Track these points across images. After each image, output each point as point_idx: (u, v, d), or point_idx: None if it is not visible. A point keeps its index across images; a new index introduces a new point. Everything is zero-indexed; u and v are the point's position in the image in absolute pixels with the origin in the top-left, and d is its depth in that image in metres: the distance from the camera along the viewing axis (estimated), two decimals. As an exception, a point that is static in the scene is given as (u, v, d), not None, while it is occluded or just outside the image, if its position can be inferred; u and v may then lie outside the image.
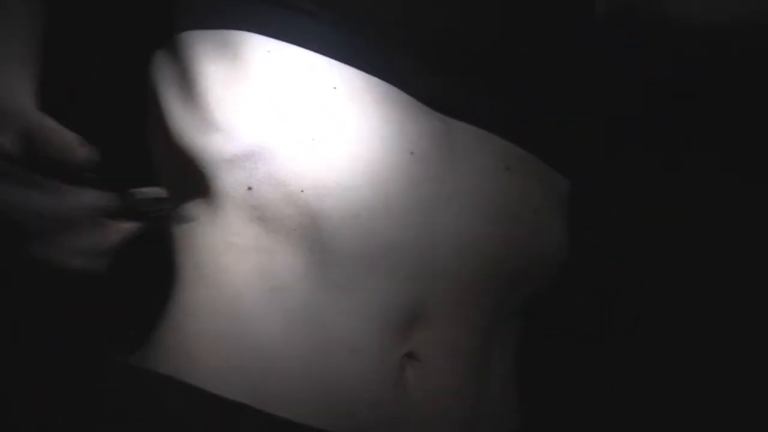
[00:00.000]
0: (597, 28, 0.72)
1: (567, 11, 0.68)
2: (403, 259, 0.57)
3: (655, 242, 0.91)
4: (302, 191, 0.55)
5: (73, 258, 0.51)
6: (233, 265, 0.56)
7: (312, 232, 0.55)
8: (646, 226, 0.91)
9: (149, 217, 0.55)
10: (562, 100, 0.67)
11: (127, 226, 0.53)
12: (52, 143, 0.49)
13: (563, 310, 0.83)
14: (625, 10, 0.75)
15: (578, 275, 0.73)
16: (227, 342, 0.56)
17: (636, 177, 0.91)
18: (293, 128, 0.55)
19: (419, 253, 0.57)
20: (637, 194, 0.91)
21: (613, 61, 0.78)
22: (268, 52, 0.56)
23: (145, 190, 0.54)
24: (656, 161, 0.91)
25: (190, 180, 0.58)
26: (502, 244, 0.60)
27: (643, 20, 0.75)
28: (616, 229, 0.91)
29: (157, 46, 0.62)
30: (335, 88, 0.56)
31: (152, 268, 0.65)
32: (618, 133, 0.90)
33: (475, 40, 0.61)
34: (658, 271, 0.91)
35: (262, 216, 0.56)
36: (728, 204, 0.88)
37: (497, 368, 0.64)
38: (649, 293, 0.91)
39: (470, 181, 0.59)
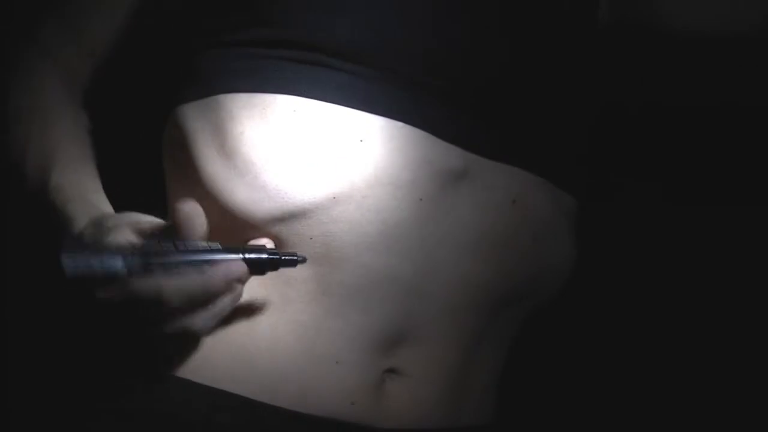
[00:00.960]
0: (600, 39, 0.73)
1: (572, 24, 0.69)
2: (395, 290, 0.60)
3: (662, 257, 0.92)
4: (311, 238, 0.58)
5: (208, 325, 0.54)
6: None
7: (310, 267, 0.59)
8: (654, 241, 0.92)
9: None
10: (570, 118, 0.68)
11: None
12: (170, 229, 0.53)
13: (569, 318, 0.84)
14: (627, 21, 0.75)
15: (586, 286, 0.74)
16: (213, 351, 0.60)
17: (642, 191, 0.92)
18: (318, 187, 0.57)
19: (412, 285, 0.61)
20: (644, 209, 0.92)
21: (617, 73, 0.78)
22: (294, 111, 0.58)
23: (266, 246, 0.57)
24: (661, 175, 0.92)
25: (209, 217, 0.59)
26: (495, 274, 0.63)
27: (644, 30, 0.76)
28: (624, 243, 0.92)
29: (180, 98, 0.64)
30: (362, 140, 0.58)
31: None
32: (623, 145, 0.90)
33: (490, 68, 0.62)
34: (664, 287, 0.92)
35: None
36: (734, 221, 0.89)
37: (481, 379, 0.68)
38: (654, 305, 0.92)
39: (470, 218, 0.62)
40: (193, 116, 0.62)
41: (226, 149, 0.59)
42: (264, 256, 0.55)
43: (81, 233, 0.55)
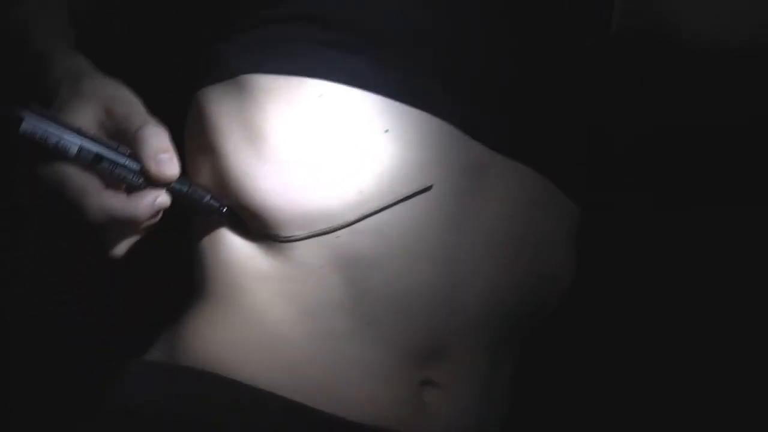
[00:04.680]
0: (612, 47, 0.73)
1: (585, 30, 0.69)
2: (428, 298, 0.58)
3: (665, 263, 0.92)
4: (337, 237, 0.56)
5: (120, 248, 0.54)
6: (261, 287, 0.58)
7: (342, 271, 0.57)
8: (656, 248, 0.92)
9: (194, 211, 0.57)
10: (580, 124, 0.68)
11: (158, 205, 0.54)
12: (130, 121, 0.52)
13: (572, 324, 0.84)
14: (639, 29, 0.75)
15: (588, 293, 0.74)
16: (252, 354, 0.57)
17: (644, 200, 0.92)
18: (343, 180, 0.56)
19: (444, 293, 0.58)
20: (644, 215, 0.92)
21: (627, 81, 0.79)
22: (320, 96, 0.56)
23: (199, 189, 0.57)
24: (665, 184, 0.92)
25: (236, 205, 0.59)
26: (522, 282, 0.62)
27: (655, 38, 0.76)
28: (623, 254, 0.92)
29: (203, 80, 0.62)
30: (387, 131, 0.56)
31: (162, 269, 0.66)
32: (627, 155, 0.90)
33: (515, 65, 0.61)
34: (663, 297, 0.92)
35: (291, 253, 0.57)
36: (734, 231, 0.89)
37: (504, 388, 0.67)
38: (657, 311, 0.92)
39: (498, 220, 0.60)
40: (216, 99, 0.59)
41: (251, 135, 0.57)
42: (206, 198, 0.56)
43: (55, 90, 0.53)
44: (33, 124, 0.49)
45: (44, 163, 0.50)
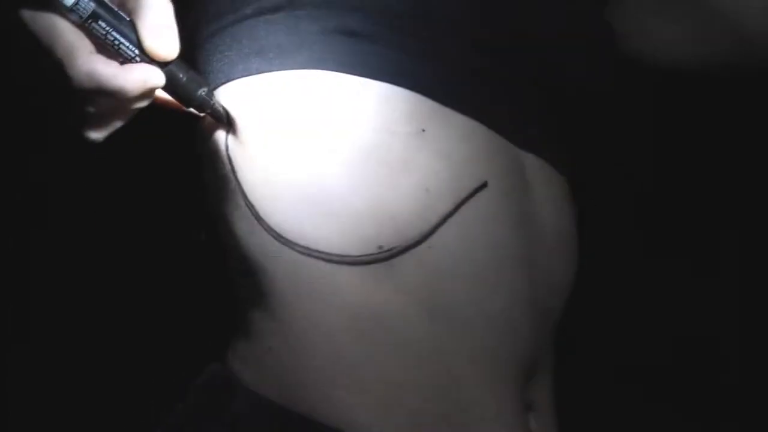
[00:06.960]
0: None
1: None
2: (522, 311, 0.54)
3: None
4: (429, 248, 0.50)
5: (101, 128, 0.49)
6: (372, 334, 0.51)
7: (436, 295, 0.51)
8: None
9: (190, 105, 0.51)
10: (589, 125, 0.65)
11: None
12: None
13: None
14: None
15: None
16: (385, 418, 0.52)
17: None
18: (404, 183, 0.50)
19: (532, 302, 0.54)
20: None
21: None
22: (357, 94, 0.51)
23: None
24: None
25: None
26: (571, 280, 0.59)
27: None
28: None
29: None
30: (424, 130, 0.51)
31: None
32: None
33: (543, 58, 0.57)
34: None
35: (388, 274, 0.51)
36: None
37: None
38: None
39: (548, 217, 0.57)
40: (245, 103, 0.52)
41: (274, 145, 0.51)
42: (200, 93, 0.50)
43: None
44: None
45: (34, 10, 0.45)
